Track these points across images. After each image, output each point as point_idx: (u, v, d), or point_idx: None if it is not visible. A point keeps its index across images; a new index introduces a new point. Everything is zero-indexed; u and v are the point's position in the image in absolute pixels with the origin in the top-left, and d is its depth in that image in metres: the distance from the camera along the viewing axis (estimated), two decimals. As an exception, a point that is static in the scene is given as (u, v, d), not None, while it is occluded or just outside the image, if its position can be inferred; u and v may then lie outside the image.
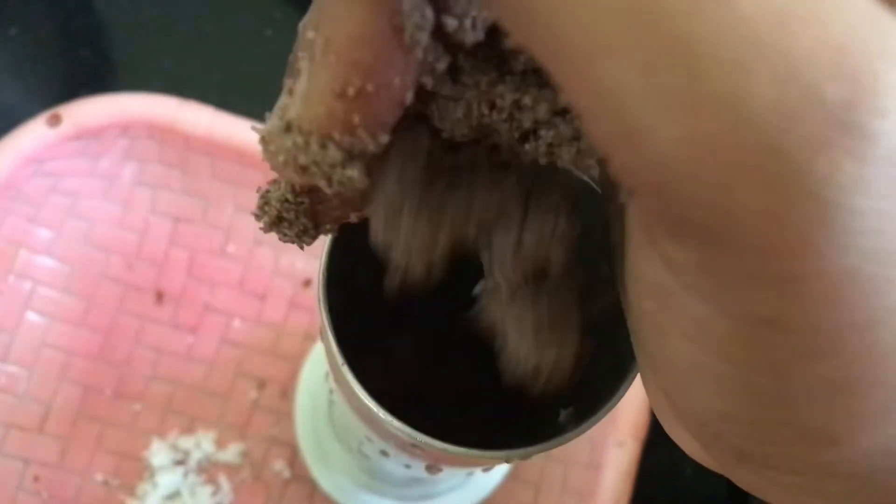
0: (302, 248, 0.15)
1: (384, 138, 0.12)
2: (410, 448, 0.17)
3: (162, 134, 0.34)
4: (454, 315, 0.23)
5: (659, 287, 0.11)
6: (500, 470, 0.33)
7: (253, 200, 0.36)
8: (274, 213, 0.14)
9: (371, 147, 0.12)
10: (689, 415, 0.12)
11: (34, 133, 0.32)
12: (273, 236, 0.34)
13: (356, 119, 0.11)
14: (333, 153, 0.11)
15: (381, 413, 0.15)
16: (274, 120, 0.12)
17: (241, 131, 0.33)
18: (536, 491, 0.34)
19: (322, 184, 0.12)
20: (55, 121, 0.32)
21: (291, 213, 0.14)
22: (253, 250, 0.35)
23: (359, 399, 0.15)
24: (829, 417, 0.10)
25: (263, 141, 0.13)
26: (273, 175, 0.13)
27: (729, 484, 0.35)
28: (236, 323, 0.34)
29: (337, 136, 0.11)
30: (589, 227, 0.18)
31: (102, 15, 0.39)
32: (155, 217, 0.35)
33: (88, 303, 0.34)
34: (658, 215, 0.10)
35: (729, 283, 0.09)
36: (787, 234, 0.09)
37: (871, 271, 0.09)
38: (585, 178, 0.17)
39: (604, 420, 0.32)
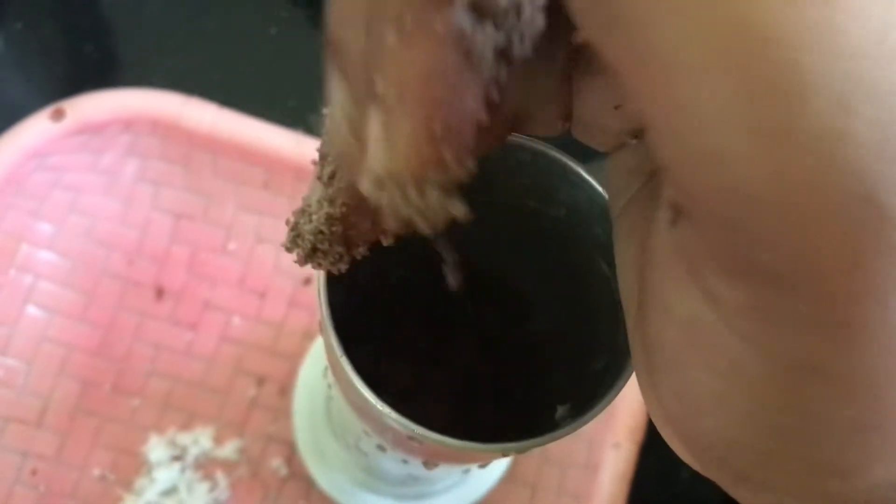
0: (337, 273, 0.15)
1: (473, 163, 0.11)
2: (407, 442, 0.17)
3: (165, 130, 0.34)
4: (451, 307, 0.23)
5: (691, 320, 0.10)
6: (497, 470, 0.33)
7: (254, 198, 0.36)
8: (308, 245, 0.14)
9: (465, 176, 0.11)
10: (694, 438, 0.11)
11: (37, 127, 0.32)
12: (274, 234, 0.35)
13: (447, 154, 0.11)
14: (433, 195, 0.11)
15: (379, 405, 0.15)
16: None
17: (244, 129, 0.34)
18: (533, 492, 0.34)
19: (424, 226, 0.12)
20: (59, 115, 0.32)
21: (325, 244, 0.14)
22: (254, 248, 0.35)
23: (356, 391, 0.16)
24: (846, 453, 0.10)
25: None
26: (293, 205, 0.13)
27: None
28: (236, 320, 0.35)
29: (433, 177, 0.11)
30: (589, 226, 0.18)
31: (107, 11, 0.39)
32: (156, 213, 0.35)
33: (88, 298, 0.34)
34: (715, 249, 0.09)
35: (780, 327, 0.09)
36: (860, 284, 0.08)
37: None
38: (590, 179, 0.17)
39: (600, 421, 0.33)
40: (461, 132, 0.11)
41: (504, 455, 0.16)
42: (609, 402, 0.16)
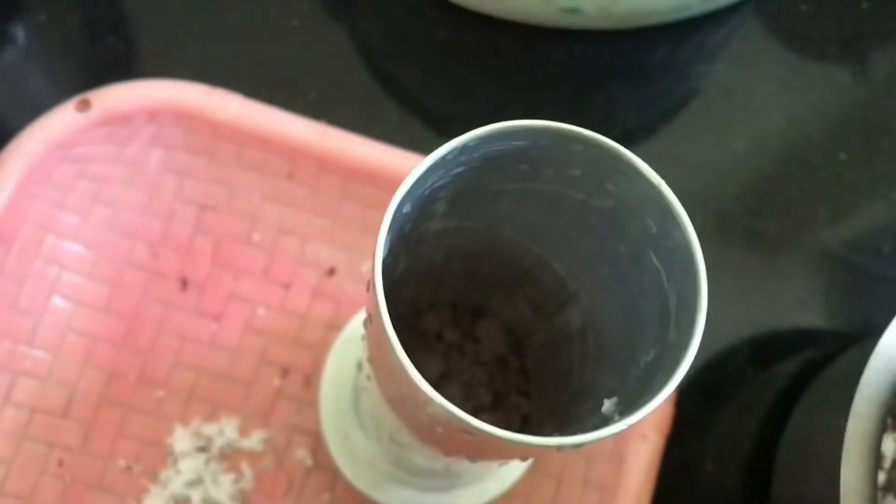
0: None
1: None
2: (459, 433, 0.17)
3: (189, 121, 0.34)
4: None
5: None
6: (523, 462, 0.33)
7: (278, 189, 0.36)
8: None
9: None
10: None
11: (63, 118, 0.32)
12: (298, 225, 0.35)
13: None
14: None
15: (441, 401, 0.15)
16: None
17: (268, 119, 0.33)
18: (558, 483, 0.34)
19: None
20: (84, 106, 0.32)
21: None
22: (278, 239, 0.35)
23: (412, 387, 0.15)
24: None
25: None
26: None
27: (748, 479, 0.35)
28: (260, 311, 0.35)
29: None
30: (639, 218, 0.18)
31: (129, 3, 0.39)
32: (180, 204, 0.35)
33: (113, 289, 0.34)
34: None
35: None
36: None
37: None
38: (643, 169, 0.17)
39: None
40: None
41: (559, 450, 0.16)
42: (665, 397, 0.16)
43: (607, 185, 0.18)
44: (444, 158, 0.16)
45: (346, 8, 0.40)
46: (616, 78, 0.40)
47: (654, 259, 0.18)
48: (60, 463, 0.32)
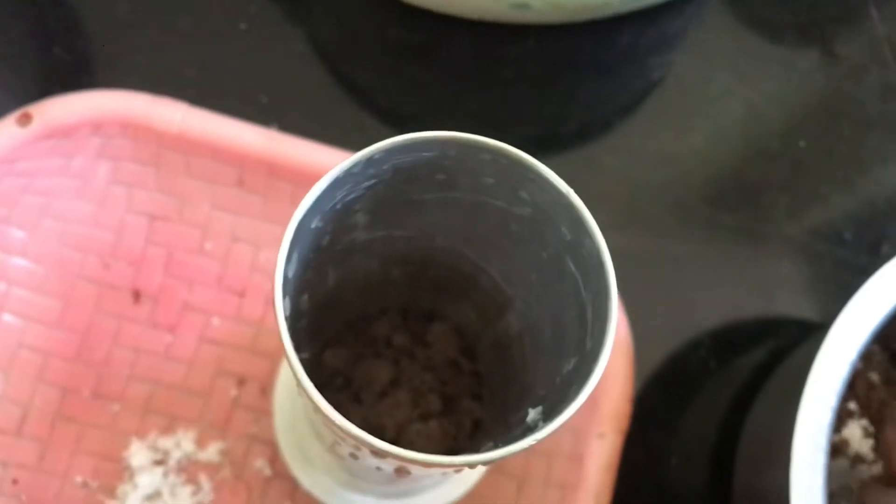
0: None
1: None
2: (375, 454, 0.17)
3: (135, 132, 0.33)
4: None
5: None
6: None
7: (228, 197, 0.36)
8: None
9: None
10: None
11: (4, 133, 0.31)
12: (250, 233, 0.34)
13: None
14: None
15: (337, 418, 0.15)
16: None
17: (214, 127, 0.33)
18: (520, 484, 0.33)
19: None
20: (25, 120, 0.32)
21: None
22: (230, 247, 0.35)
23: (315, 403, 0.15)
24: None
25: None
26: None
27: (713, 472, 0.35)
28: (215, 321, 0.34)
29: None
30: (555, 225, 0.18)
31: (75, 12, 0.38)
32: (130, 216, 0.34)
33: (64, 303, 0.34)
34: None
35: None
36: None
37: None
38: (551, 178, 0.17)
39: (584, 412, 0.32)
40: None
41: (470, 468, 0.15)
42: (575, 409, 0.15)
43: (521, 193, 0.18)
44: (348, 172, 0.16)
45: (296, 10, 0.39)
46: (572, 72, 0.40)
47: (572, 266, 0.18)
48: (15, 482, 0.32)
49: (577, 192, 0.16)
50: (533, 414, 0.18)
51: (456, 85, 0.39)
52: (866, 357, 0.35)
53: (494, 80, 0.39)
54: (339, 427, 0.15)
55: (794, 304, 0.38)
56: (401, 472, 0.20)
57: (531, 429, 0.17)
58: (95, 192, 0.34)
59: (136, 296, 0.34)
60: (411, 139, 0.16)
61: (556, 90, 0.40)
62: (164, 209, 0.34)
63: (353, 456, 0.20)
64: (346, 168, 0.16)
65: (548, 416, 0.17)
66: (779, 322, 0.38)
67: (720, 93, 0.40)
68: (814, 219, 0.39)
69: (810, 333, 0.37)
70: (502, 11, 0.37)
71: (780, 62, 0.41)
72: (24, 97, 0.33)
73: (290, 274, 0.16)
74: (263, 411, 0.33)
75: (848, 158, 0.40)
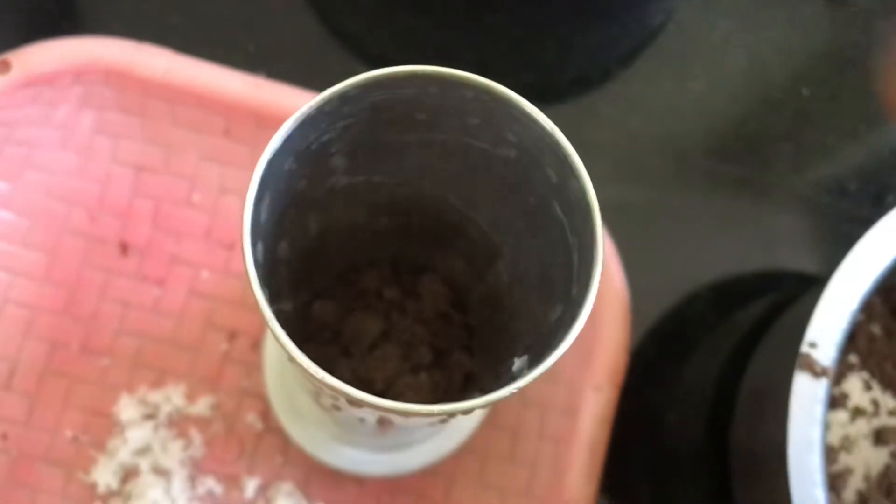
0: None
1: None
2: (351, 403, 0.16)
3: (118, 80, 0.32)
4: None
5: None
6: (476, 416, 0.32)
7: (216, 147, 0.35)
8: None
9: None
10: None
11: (-17, 81, 0.31)
12: (238, 184, 0.33)
13: None
14: None
15: (311, 366, 0.14)
16: None
17: (200, 75, 0.32)
18: (514, 436, 0.33)
19: None
20: (4, 67, 0.31)
21: None
22: (218, 199, 0.34)
23: (287, 351, 0.15)
24: None
25: None
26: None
27: (710, 428, 0.35)
28: (204, 274, 0.34)
29: None
30: (540, 167, 0.17)
31: (56, -43, 0.37)
32: (116, 167, 0.34)
33: (51, 257, 0.33)
34: None
35: None
36: None
37: None
38: (537, 116, 0.16)
39: (580, 364, 0.32)
40: None
41: (450, 416, 0.15)
42: (558, 356, 0.15)
43: (507, 133, 0.17)
44: (319, 110, 0.15)
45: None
46: (569, 19, 0.39)
47: (559, 210, 0.17)
48: (4, 437, 0.32)
49: (574, 142, 0.15)
50: (518, 363, 0.17)
51: (449, 32, 0.38)
52: (867, 309, 0.34)
53: (489, 27, 0.38)
54: (313, 375, 0.14)
55: (796, 257, 0.37)
56: (384, 423, 0.19)
57: (515, 378, 0.17)
58: (79, 142, 0.33)
59: (124, 248, 0.34)
60: (387, 73, 0.15)
61: (552, 37, 0.38)
62: (150, 160, 0.34)
63: (336, 407, 0.20)
64: (317, 105, 0.15)
65: (533, 365, 0.17)
66: (780, 275, 0.37)
67: (722, 40, 0.39)
68: (817, 170, 0.38)
69: (811, 286, 0.37)
70: (497, -45, 0.36)
71: (784, 8, 0.40)
72: (6, 44, 0.32)
73: (263, 218, 0.16)
74: (254, 365, 0.33)
75: (853, 108, 0.39)
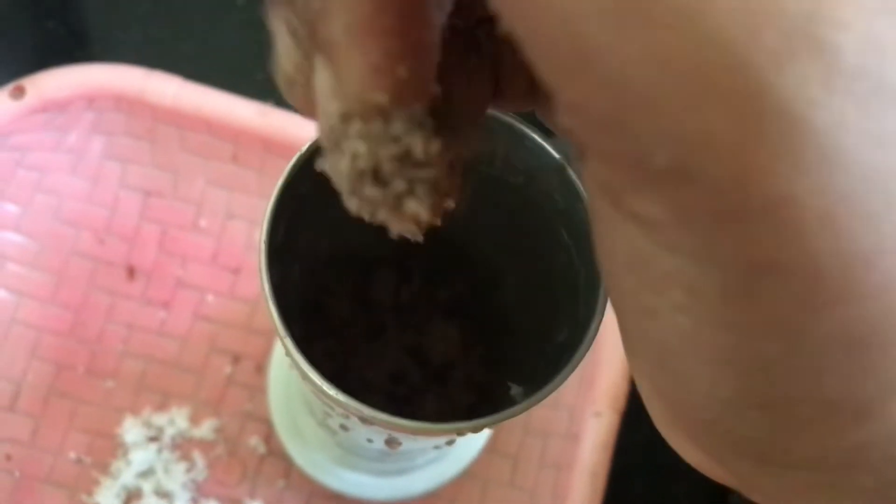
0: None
1: (435, 87, 0.11)
2: (363, 421, 0.16)
3: (129, 106, 0.33)
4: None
5: (635, 256, 0.09)
6: (478, 442, 0.33)
7: (223, 173, 0.36)
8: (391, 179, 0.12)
9: (428, 101, 0.11)
10: (691, 411, 0.10)
11: (-3, 106, 0.31)
12: (245, 209, 0.34)
13: (406, 84, 0.11)
14: (399, 124, 0.11)
15: (326, 387, 0.15)
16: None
17: (209, 102, 0.33)
18: (515, 462, 0.33)
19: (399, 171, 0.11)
20: (19, 93, 0.31)
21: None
22: (225, 224, 0.34)
23: (303, 371, 0.15)
24: (852, 382, 0.09)
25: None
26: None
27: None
28: (209, 298, 0.34)
29: (394, 108, 0.11)
30: (548, 193, 0.18)
31: (69, -15, 0.38)
32: (125, 191, 0.34)
33: (58, 279, 0.33)
34: (617, 164, 0.09)
35: (711, 228, 0.08)
36: (762, 157, 0.08)
37: (862, 191, 0.08)
38: (544, 143, 0.16)
39: (581, 390, 0.32)
40: (419, 58, 0.11)
41: (459, 434, 0.15)
42: (564, 379, 0.15)
43: (515, 161, 0.17)
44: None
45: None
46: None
47: (565, 235, 0.17)
48: (8, 457, 0.32)
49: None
50: (515, 389, 0.17)
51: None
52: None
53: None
54: (326, 394, 0.15)
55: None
56: (391, 442, 0.19)
57: (516, 400, 0.17)
58: (89, 166, 0.34)
59: (130, 272, 0.34)
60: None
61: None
62: (158, 185, 0.34)
63: (344, 427, 0.20)
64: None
65: (539, 386, 0.17)
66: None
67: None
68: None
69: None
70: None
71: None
72: (18, 71, 0.33)
73: (278, 242, 0.16)
74: (258, 389, 0.33)
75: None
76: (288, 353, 0.16)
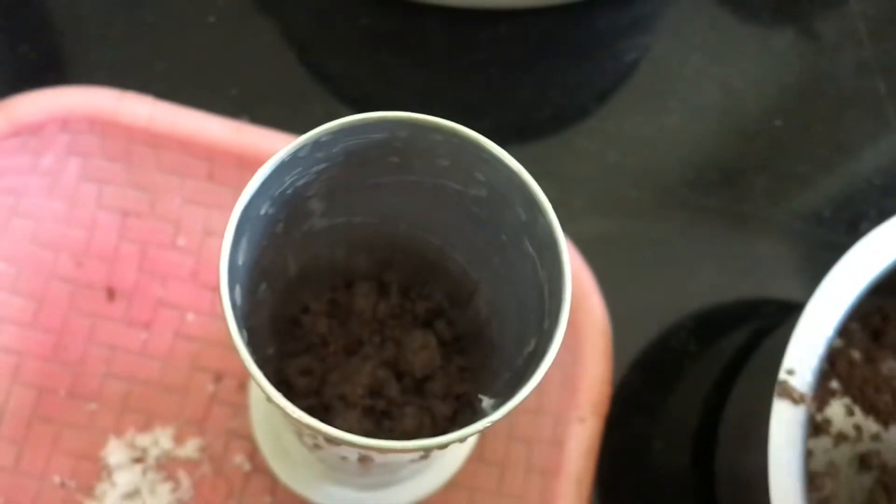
0: None
1: None
2: (329, 442, 0.16)
3: (103, 127, 0.33)
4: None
5: None
6: (464, 450, 0.33)
7: (200, 191, 0.36)
8: None
9: None
10: None
11: (-31, 132, 0.31)
12: (222, 226, 0.34)
13: None
14: None
15: (288, 406, 0.15)
16: None
17: (182, 121, 0.33)
18: (501, 470, 0.33)
19: None
20: (-9, 119, 0.31)
21: None
22: (203, 241, 0.34)
23: (266, 392, 0.15)
24: None
25: None
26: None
27: (696, 455, 0.35)
28: (190, 316, 0.34)
29: None
30: (511, 206, 0.18)
31: (41, 9, 0.38)
32: (102, 212, 0.34)
33: (38, 303, 0.33)
34: None
35: None
36: None
37: None
38: (504, 158, 0.16)
39: (564, 397, 0.32)
40: None
41: (426, 451, 0.15)
42: (529, 389, 0.15)
43: (477, 174, 0.17)
44: (294, 156, 0.16)
45: (265, 1, 0.39)
46: (546, 57, 0.40)
47: (529, 246, 0.17)
48: (-8, 483, 0.32)
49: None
50: (487, 403, 0.17)
51: (429, 72, 0.39)
52: (846, 335, 0.35)
53: (467, 66, 0.39)
54: (289, 415, 0.14)
55: (775, 285, 0.38)
56: (364, 461, 0.19)
57: (487, 412, 0.17)
58: (66, 189, 0.34)
59: (110, 293, 0.34)
60: (358, 119, 0.16)
61: (530, 75, 0.39)
62: (135, 205, 0.34)
63: (317, 446, 0.20)
64: (291, 151, 0.15)
65: (508, 398, 0.17)
66: (759, 303, 0.38)
67: (695, 74, 0.40)
68: (792, 198, 0.39)
69: (791, 313, 0.37)
70: (473, -3, 0.37)
71: (755, 41, 0.41)
72: (-7, 96, 0.33)
73: (241, 262, 0.16)
74: (241, 406, 0.33)
75: (825, 137, 0.40)
76: (251, 375, 0.16)
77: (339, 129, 0.16)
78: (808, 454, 0.33)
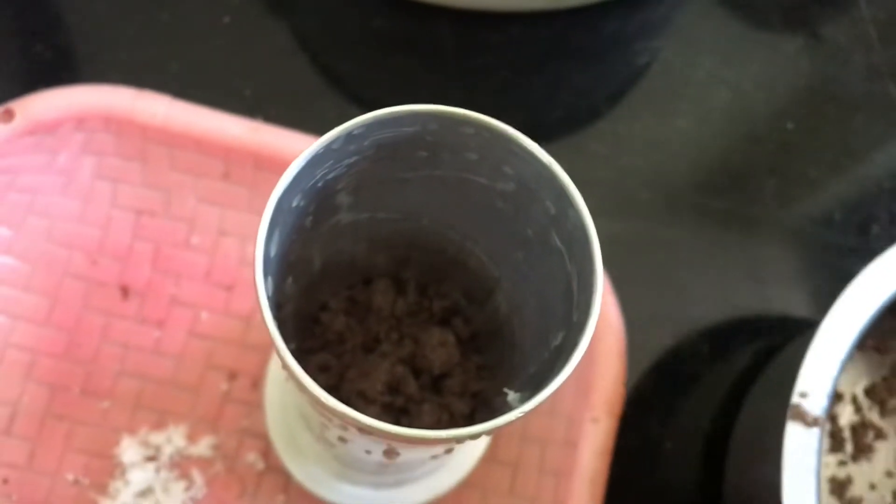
0: None
1: None
2: (361, 432, 0.16)
3: (118, 126, 0.33)
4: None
5: None
6: (477, 451, 0.33)
7: (215, 190, 0.36)
8: None
9: None
10: None
11: (-14, 130, 0.31)
12: (237, 226, 0.34)
13: None
14: None
15: (323, 396, 0.15)
16: None
17: (198, 120, 0.33)
18: (514, 470, 0.33)
19: None
20: (8, 116, 0.31)
21: None
22: (218, 241, 0.34)
23: (300, 383, 0.15)
24: None
25: None
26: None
27: (707, 458, 0.35)
28: (204, 315, 0.34)
29: None
30: (540, 200, 0.18)
31: (56, 8, 0.38)
32: (116, 211, 0.34)
33: (52, 301, 0.33)
34: None
35: None
36: None
37: None
38: (535, 151, 0.17)
39: (578, 397, 0.32)
40: None
41: (458, 441, 0.15)
42: (561, 381, 0.15)
43: (505, 168, 0.17)
44: (327, 148, 0.16)
45: (280, 2, 0.39)
46: (557, 59, 0.40)
47: (557, 240, 0.17)
48: (5, 481, 0.32)
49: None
50: (513, 396, 0.18)
51: (440, 74, 0.39)
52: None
53: (479, 68, 0.39)
54: (324, 405, 0.15)
55: (786, 288, 0.38)
56: (390, 453, 0.19)
57: (514, 406, 0.17)
58: (80, 187, 0.34)
59: (124, 291, 0.34)
60: (392, 112, 0.16)
61: (541, 77, 0.39)
62: (150, 204, 0.34)
63: (342, 440, 0.20)
64: (325, 143, 0.16)
65: (535, 392, 0.17)
66: (770, 307, 0.38)
67: (706, 77, 0.40)
68: (802, 201, 0.39)
69: (801, 321, 0.37)
70: (486, -1, 0.37)
71: (765, 46, 0.41)
72: (7, 95, 0.33)
73: (272, 254, 0.16)
74: (255, 405, 0.33)
75: (835, 140, 0.40)
76: (284, 366, 0.16)
77: (372, 122, 0.16)
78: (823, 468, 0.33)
